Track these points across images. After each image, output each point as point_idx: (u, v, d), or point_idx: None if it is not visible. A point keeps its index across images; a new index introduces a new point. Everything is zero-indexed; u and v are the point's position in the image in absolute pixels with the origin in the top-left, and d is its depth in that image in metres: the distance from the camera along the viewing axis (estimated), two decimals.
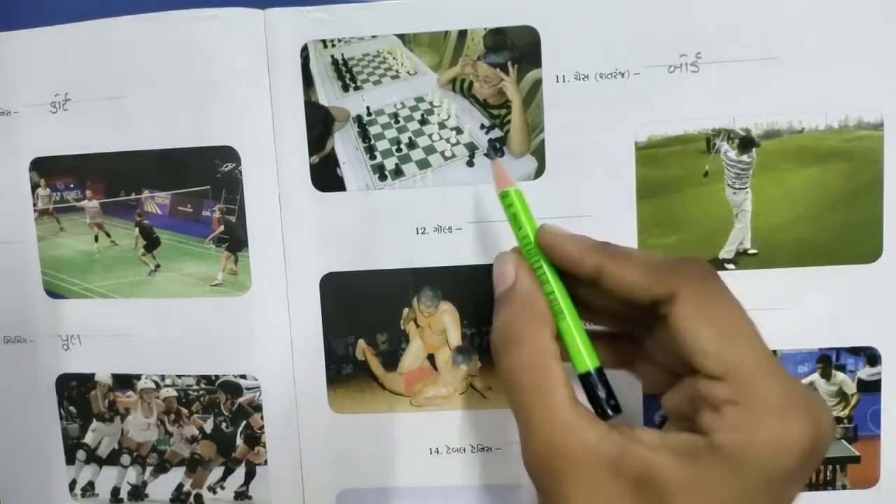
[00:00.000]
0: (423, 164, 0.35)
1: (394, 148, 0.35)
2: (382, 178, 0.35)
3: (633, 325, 0.29)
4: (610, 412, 0.26)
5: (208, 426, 0.38)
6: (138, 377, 0.38)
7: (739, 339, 0.24)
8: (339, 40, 0.35)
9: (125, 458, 0.39)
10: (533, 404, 0.26)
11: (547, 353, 0.26)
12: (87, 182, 0.37)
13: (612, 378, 0.27)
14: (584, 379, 0.27)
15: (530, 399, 0.26)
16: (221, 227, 0.36)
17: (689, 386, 0.24)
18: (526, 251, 0.29)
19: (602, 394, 0.26)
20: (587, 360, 0.27)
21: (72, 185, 0.37)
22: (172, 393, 0.38)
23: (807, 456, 0.23)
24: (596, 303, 0.28)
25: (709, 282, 0.25)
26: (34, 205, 0.37)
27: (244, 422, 0.37)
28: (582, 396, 0.27)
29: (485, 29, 0.34)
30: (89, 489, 0.39)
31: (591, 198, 0.34)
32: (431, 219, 0.35)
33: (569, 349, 0.27)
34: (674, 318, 0.24)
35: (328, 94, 0.35)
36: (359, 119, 0.35)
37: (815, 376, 0.35)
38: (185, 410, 0.38)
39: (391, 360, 0.36)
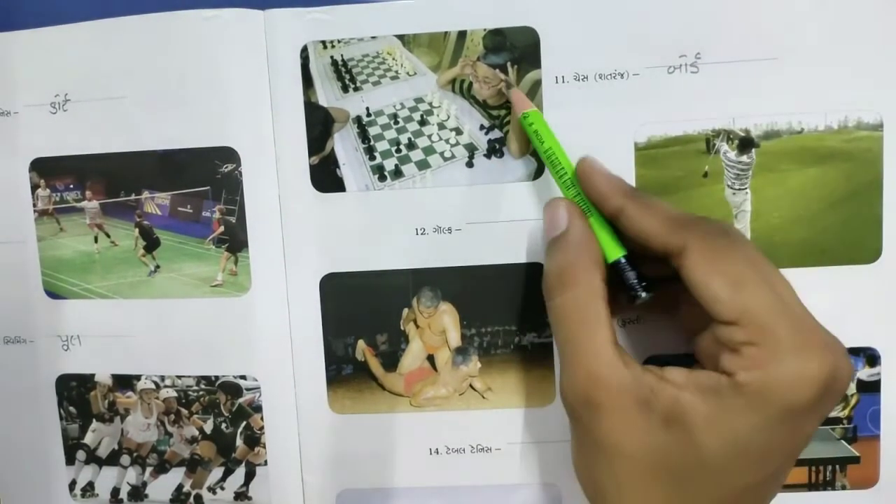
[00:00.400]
0: (423, 165, 0.35)
1: (393, 149, 0.35)
2: (382, 178, 0.35)
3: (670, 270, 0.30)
4: (643, 293, 0.29)
5: (208, 427, 0.38)
6: (138, 378, 0.38)
7: (749, 284, 0.25)
8: (339, 41, 0.35)
9: (125, 459, 0.39)
10: (579, 338, 0.27)
11: (597, 293, 0.28)
12: (87, 182, 0.37)
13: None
14: (616, 266, 0.29)
15: (577, 334, 0.27)
16: (221, 228, 0.36)
17: (713, 331, 0.26)
18: (550, 163, 0.32)
19: (633, 278, 0.29)
20: (616, 248, 0.29)
21: (72, 186, 0.37)
22: (172, 393, 0.38)
23: (824, 389, 0.24)
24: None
25: (719, 237, 0.26)
26: (34, 205, 0.37)
27: (244, 422, 0.37)
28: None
29: (484, 30, 0.34)
30: (89, 489, 0.39)
31: None
32: (431, 219, 0.35)
33: (601, 242, 0.30)
34: (686, 270, 0.26)
35: (328, 94, 0.35)
36: (358, 120, 0.35)
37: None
38: (184, 411, 0.38)
39: (391, 360, 0.36)
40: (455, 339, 0.36)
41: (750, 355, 0.24)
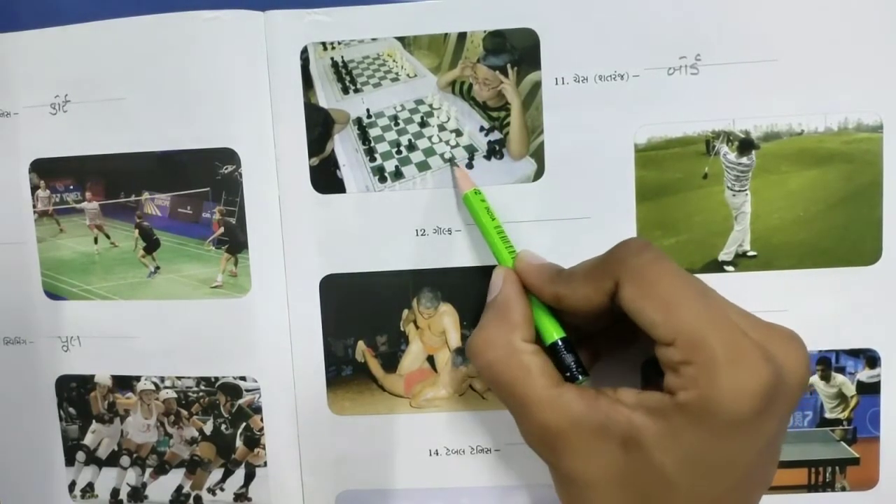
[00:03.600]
0: (423, 167, 0.35)
1: (394, 150, 0.35)
2: (382, 180, 0.35)
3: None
4: (579, 377, 0.29)
5: (208, 428, 0.38)
6: (138, 379, 0.38)
7: (682, 304, 0.25)
8: (339, 43, 0.35)
9: (125, 460, 0.39)
10: (515, 395, 0.28)
11: (517, 351, 0.29)
12: (87, 183, 0.37)
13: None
14: (552, 349, 0.30)
15: (512, 391, 0.28)
16: (221, 229, 0.36)
17: (656, 352, 0.26)
18: (501, 237, 0.33)
19: (569, 360, 0.29)
20: (553, 332, 0.30)
21: (71, 187, 0.37)
22: (172, 394, 0.38)
23: (765, 398, 0.24)
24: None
25: (642, 256, 0.27)
26: (34, 206, 0.37)
27: (244, 423, 0.37)
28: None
29: (484, 31, 0.34)
30: (89, 490, 0.39)
31: (590, 200, 0.34)
32: (431, 221, 0.35)
33: (539, 328, 0.30)
34: (623, 302, 0.26)
35: (328, 96, 0.35)
36: (359, 121, 0.35)
37: (815, 378, 0.35)
38: (184, 412, 0.38)
39: (391, 361, 0.36)
40: (455, 339, 0.36)
41: (688, 374, 0.24)
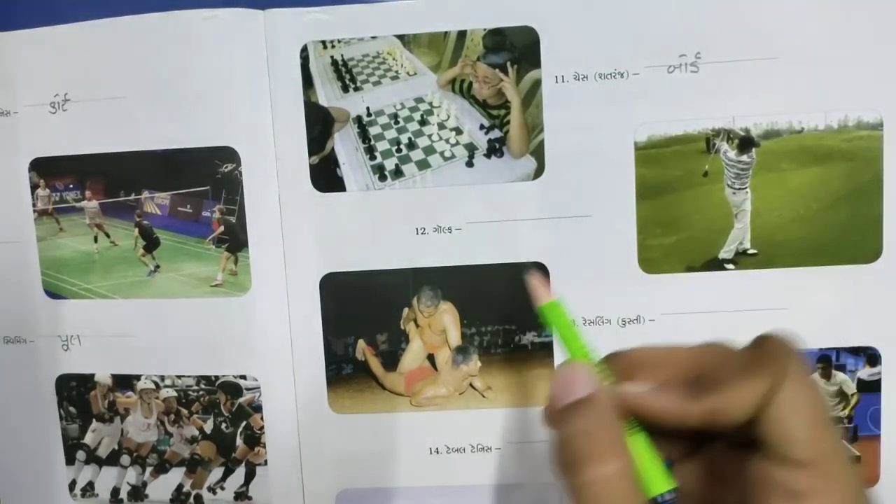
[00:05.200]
0: (423, 165, 0.35)
1: (393, 148, 0.35)
2: (382, 178, 0.35)
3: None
4: None
5: (208, 426, 0.38)
6: (138, 377, 0.38)
7: (824, 425, 0.23)
8: (339, 41, 0.35)
9: (125, 459, 0.39)
10: None
11: (630, 474, 0.23)
12: (87, 182, 0.37)
13: None
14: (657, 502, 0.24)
15: None
16: (221, 228, 0.36)
17: (757, 471, 0.23)
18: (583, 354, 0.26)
19: None
20: (665, 480, 0.24)
21: (71, 186, 0.37)
22: (172, 393, 0.38)
23: None
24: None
25: (798, 360, 0.23)
26: (34, 205, 0.37)
27: (244, 422, 0.37)
28: None
29: (484, 30, 0.34)
30: (89, 489, 0.39)
31: (590, 198, 0.34)
32: (431, 219, 0.35)
33: (645, 473, 0.24)
34: (773, 406, 0.23)
35: (328, 94, 0.35)
36: (359, 120, 0.35)
37: (816, 376, 0.35)
38: (184, 411, 0.38)
39: (391, 360, 0.36)
40: (455, 338, 0.36)
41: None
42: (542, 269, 0.35)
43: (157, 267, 0.37)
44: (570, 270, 0.35)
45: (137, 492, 0.39)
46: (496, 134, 0.35)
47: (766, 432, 0.22)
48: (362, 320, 0.36)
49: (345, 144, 0.35)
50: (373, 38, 0.35)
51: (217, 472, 0.38)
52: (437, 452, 0.36)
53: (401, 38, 0.35)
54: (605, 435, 0.24)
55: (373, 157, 0.35)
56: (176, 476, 0.38)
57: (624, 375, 0.25)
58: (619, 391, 0.25)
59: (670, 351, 0.26)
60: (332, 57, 0.35)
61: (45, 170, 0.37)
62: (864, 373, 0.35)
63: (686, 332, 0.35)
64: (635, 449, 0.24)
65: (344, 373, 0.36)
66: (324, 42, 0.35)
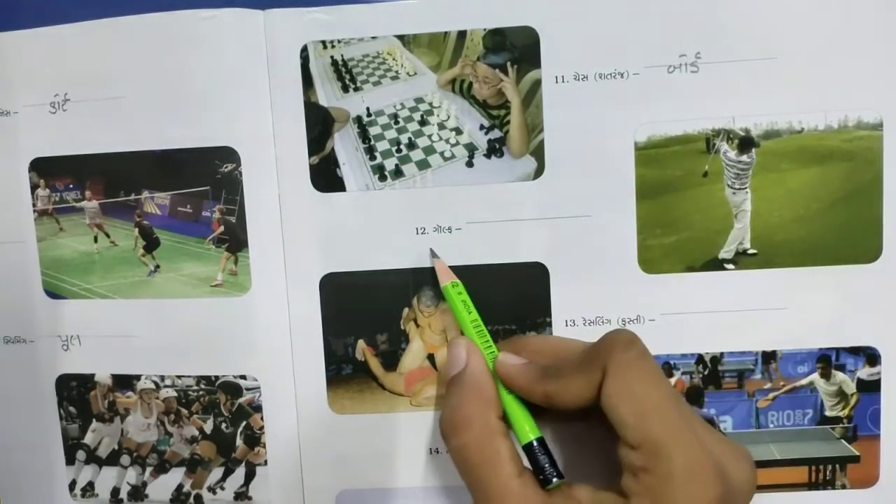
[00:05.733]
0: (423, 165, 0.35)
1: (393, 148, 0.35)
2: (382, 178, 0.35)
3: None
4: (553, 479, 0.29)
5: (208, 426, 0.38)
6: (138, 377, 0.38)
7: (653, 412, 0.26)
8: (339, 41, 0.35)
9: (125, 459, 0.39)
10: (482, 480, 0.28)
11: (493, 432, 0.29)
12: (87, 182, 0.37)
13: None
14: (527, 449, 0.30)
15: (479, 475, 0.28)
16: (221, 228, 0.36)
17: (618, 448, 0.27)
18: (478, 332, 0.32)
19: (544, 462, 0.29)
20: (529, 431, 0.30)
21: (71, 186, 0.37)
22: (172, 393, 0.38)
23: None
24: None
25: (629, 352, 0.27)
26: (34, 205, 0.37)
27: (244, 422, 0.37)
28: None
29: (484, 30, 0.34)
30: (89, 489, 0.39)
31: (590, 198, 0.34)
32: (431, 219, 0.35)
33: (512, 423, 0.30)
34: (602, 395, 0.27)
35: (328, 94, 0.35)
36: (358, 120, 0.35)
37: (815, 376, 0.35)
38: (184, 411, 0.38)
39: (391, 360, 0.36)
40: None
41: (645, 482, 0.25)
42: (542, 268, 0.35)
43: (157, 267, 0.37)
44: (570, 270, 0.35)
45: (137, 492, 0.39)
46: (496, 134, 0.35)
47: (608, 417, 0.27)
48: (362, 320, 0.36)
49: (345, 144, 0.35)
50: (373, 38, 0.35)
51: (217, 472, 0.38)
52: (437, 452, 0.36)
53: (401, 38, 0.35)
54: (473, 406, 0.30)
55: (373, 157, 0.35)
56: (176, 476, 0.38)
57: (513, 352, 0.31)
58: (498, 360, 0.31)
59: (553, 341, 0.34)
60: (332, 57, 0.35)
61: (45, 170, 0.37)
62: (864, 372, 0.35)
63: (686, 332, 0.35)
64: (509, 405, 0.30)
65: (344, 373, 0.36)
66: (324, 42, 0.35)
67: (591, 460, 0.31)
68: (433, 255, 0.35)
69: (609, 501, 0.27)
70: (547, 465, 0.29)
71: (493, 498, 0.28)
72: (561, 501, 0.28)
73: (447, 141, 0.35)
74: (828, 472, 0.36)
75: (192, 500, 0.38)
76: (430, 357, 0.36)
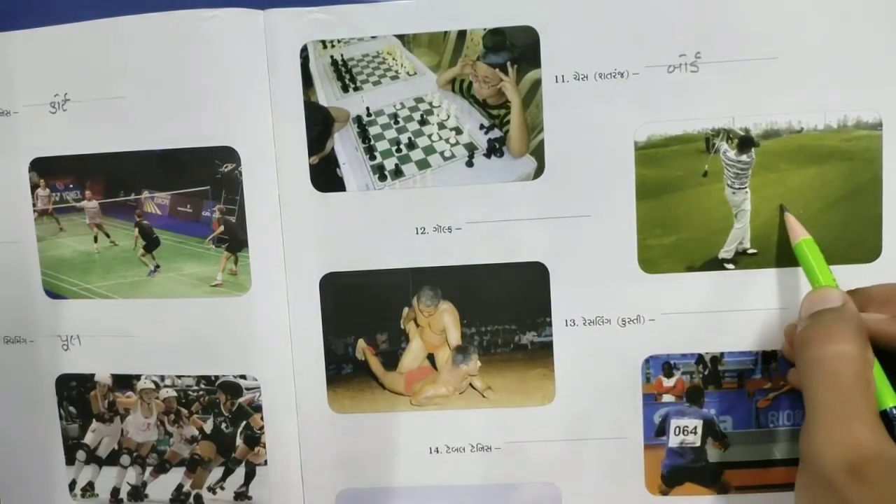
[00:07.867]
0: (423, 165, 0.35)
1: (393, 148, 0.35)
2: (382, 178, 0.35)
3: None
4: None
5: (208, 426, 0.38)
6: (138, 377, 0.38)
7: None
8: (339, 41, 0.35)
9: (125, 459, 0.39)
10: (851, 399, 0.26)
11: (869, 364, 0.27)
12: (87, 182, 0.37)
13: None
14: (886, 415, 0.27)
15: (849, 394, 0.26)
16: (221, 228, 0.36)
17: None
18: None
19: None
20: (888, 398, 0.28)
21: (71, 186, 0.37)
22: (172, 393, 0.38)
23: None
24: None
25: None
26: (34, 205, 0.37)
27: (244, 422, 0.37)
28: None
29: (484, 29, 0.34)
30: (89, 489, 0.39)
31: (590, 198, 0.34)
32: (431, 219, 0.35)
33: (877, 386, 0.28)
34: None
35: (328, 94, 0.35)
36: (358, 119, 0.35)
37: None
38: (184, 411, 0.38)
39: (391, 359, 0.36)
40: (455, 337, 0.36)
41: None
42: (541, 268, 0.35)
43: (157, 267, 0.37)
44: (570, 270, 0.35)
45: (137, 492, 0.39)
46: (496, 134, 0.35)
47: None
48: (362, 320, 0.36)
49: (345, 144, 0.35)
50: (373, 38, 0.35)
51: (217, 472, 0.38)
52: (437, 452, 0.36)
53: (401, 38, 0.35)
54: (853, 326, 0.27)
55: (373, 157, 0.35)
56: (176, 476, 0.38)
57: (860, 308, 0.29)
58: (863, 317, 0.28)
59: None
60: (332, 57, 0.35)
61: (45, 170, 0.37)
62: None
63: (686, 332, 0.35)
64: (877, 378, 0.28)
65: (344, 372, 0.36)
66: (324, 42, 0.35)
67: None
68: (783, 209, 0.34)
69: None
70: None
71: (855, 424, 0.25)
72: None
73: (447, 141, 0.35)
74: None
75: (192, 499, 0.38)
76: (430, 356, 0.36)
